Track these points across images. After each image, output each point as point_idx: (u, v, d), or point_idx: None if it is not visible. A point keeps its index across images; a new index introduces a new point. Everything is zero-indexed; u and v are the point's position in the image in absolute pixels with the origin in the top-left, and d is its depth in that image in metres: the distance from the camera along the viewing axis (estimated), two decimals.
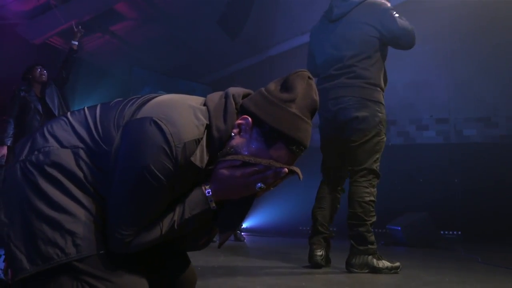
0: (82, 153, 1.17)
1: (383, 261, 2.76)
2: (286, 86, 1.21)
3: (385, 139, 2.95)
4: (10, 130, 4.27)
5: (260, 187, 1.17)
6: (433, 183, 6.24)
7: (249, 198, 1.24)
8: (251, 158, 1.16)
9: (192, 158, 1.13)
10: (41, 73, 4.55)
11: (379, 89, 2.92)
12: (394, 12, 2.93)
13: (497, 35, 6.42)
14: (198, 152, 1.14)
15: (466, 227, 6.04)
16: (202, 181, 1.20)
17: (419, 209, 5.35)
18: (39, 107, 4.40)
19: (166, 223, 1.16)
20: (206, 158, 1.17)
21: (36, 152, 1.19)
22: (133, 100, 1.24)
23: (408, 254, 4.14)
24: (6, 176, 1.20)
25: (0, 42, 5.24)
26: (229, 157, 1.16)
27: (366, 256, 2.75)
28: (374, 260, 2.75)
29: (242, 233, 5.36)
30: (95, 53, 6.39)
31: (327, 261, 3.01)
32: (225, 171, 1.17)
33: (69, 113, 1.29)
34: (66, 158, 1.17)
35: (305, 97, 1.20)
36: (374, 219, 2.83)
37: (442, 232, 5.98)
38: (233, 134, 1.19)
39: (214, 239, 1.39)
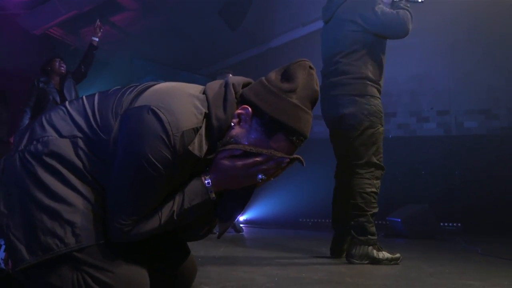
0: (80, 142, 1.17)
1: (383, 252, 2.76)
2: (286, 76, 1.19)
3: (381, 129, 2.93)
4: (26, 120, 4.30)
5: (261, 179, 1.17)
6: (433, 175, 6.24)
7: (249, 188, 1.23)
8: (252, 147, 1.15)
9: (190, 147, 1.12)
10: (60, 65, 4.58)
11: (367, 81, 2.91)
12: (379, 4, 2.91)
13: (498, 28, 6.37)
14: (196, 141, 1.13)
15: (466, 219, 6.04)
16: (201, 171, 1.19)
17: (420, 201, 5.35)
18: (58, 99, 4.43)
19: (165, 213, 1.16)
20: (205, 147, 1.16)
21: (34, 142, 1.18)
22: (132, 88, 1.23)
23: (408, 245, 4.14)
24: (5, 166, 1.19)
25: (0, 33, 5.21)
26: (229, 146, 1.15)
27: (366, 246, 2.75)
28: (374, 251, 2.75)
29: (241, 225, 5.36)
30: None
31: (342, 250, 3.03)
32: (225, 161, 1.16)
33: (67, 102, 1.28)
34: (65, 148, 1.16)
35: (305, 87, 1.19)
36: (375, 210, 2.83)
37: (442, 224, 5.98)
38: (232, 124, 1.17)
39: (214, 230, 1.38)
